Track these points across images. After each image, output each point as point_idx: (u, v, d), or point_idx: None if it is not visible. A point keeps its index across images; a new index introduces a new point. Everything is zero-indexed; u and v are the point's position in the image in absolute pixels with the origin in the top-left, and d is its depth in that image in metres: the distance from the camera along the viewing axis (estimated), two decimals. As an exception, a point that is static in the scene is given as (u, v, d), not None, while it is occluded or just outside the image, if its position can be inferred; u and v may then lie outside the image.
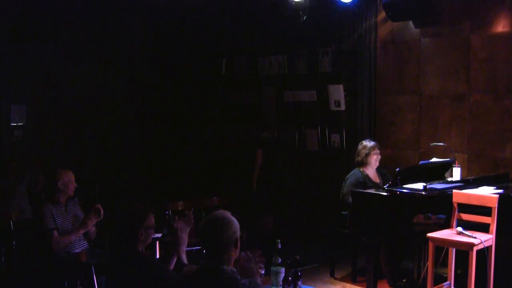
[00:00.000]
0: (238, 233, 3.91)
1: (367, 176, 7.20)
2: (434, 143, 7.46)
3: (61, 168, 6.20)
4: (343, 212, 7.12)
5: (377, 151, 7.27)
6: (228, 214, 3.95)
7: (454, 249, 6.09)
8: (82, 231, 6.00)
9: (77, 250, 5.98)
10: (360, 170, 7.24)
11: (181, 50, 10.37)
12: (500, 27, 7.30)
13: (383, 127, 8.35)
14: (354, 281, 7.12)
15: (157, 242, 6.07)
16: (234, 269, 3.87)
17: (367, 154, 7.22)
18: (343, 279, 7.25)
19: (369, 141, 7.34)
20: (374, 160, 7.25)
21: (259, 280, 4.09)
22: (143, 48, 10.04)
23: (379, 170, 7.36)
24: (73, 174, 6.14)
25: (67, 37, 9.20)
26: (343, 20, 8.63)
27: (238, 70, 10.14)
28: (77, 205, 6.27)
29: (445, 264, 6.22)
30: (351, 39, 8.62)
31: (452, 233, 6.01)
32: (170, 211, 7.00)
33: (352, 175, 7.20)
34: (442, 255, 6.19)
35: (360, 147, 7.33)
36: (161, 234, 5.98)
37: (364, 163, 7.25)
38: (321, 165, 8.96)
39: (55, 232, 5.88)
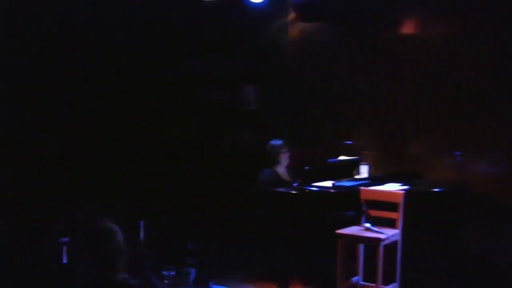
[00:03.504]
0: (122, 239, 3.80)
1: (278, 175, 7.29)
2: (344, 141, 7.59)
3: None
4: (256, 212, 7.17)
5: (286, 149, 7.38)
6: (109, 223, 3.84)
7: (362, 245, 6.24)
8: None
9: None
10: (271, 169, 7.32)
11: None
12: (407, 29, 7.50)
13: (295, 126, 8.42)
14: (268, 280, 7.16)
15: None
16: (126, 276, 3.80)
17: (277, 153, 7.32)
18: (256, 279, 7.27)
19: (276, 141, 7.43)
20: (284, 158, 7.35)
21: (149, 272, 4.07)
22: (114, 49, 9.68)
23: (289, 168, 7.45)
24: None
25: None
26: (255, 20, 8.67)
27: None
28: None
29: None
30: (263, 39, 8.67)
31: (361, 230, 6.16)
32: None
33: (263, 175, 7.27)
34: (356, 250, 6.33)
35: (268, 147, 7.42)
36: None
37: (275, 162, 7.35)
38: (233, 164, 8.97)
39: None
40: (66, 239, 5.48)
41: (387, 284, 6.02)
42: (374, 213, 6.27)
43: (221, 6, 8.43)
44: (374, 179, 6.88)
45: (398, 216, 6.08)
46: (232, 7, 8.58)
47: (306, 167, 6.74)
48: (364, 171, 7.16)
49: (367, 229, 6.10)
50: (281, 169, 7.39)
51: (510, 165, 6.72)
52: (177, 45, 9.49)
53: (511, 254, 6.60)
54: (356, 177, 7.14)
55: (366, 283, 6.24)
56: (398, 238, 6.08)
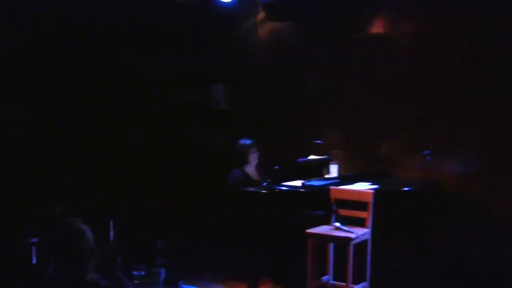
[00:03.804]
0: (92, 239, 3.77)
1: (247, 174, 7.29)
2: (314, 141, 7.61)
3: None
4: (226, 211, 7.17)
5: (255, 149, 7.39)
6: (79, 223, 3.80)
7: (332, 244, 6.27)
8: None
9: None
10: (239, 169, 7.32)
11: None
12: (376, 29, 7.54)
13: (264, 126, 8.43)
14: (238, 280, 7.15)
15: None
16: (95, 276, 3.77)
17: (246, 153, 7.33)
18: (226, 279, 7.25)
19: (245, 140, 7.44)
20: (253, 158, 7.36)
21: (119, 272, 4.04)
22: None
23: (258, 168, 7.46)
24: None
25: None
26: (224, 20, 8.66)
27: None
28: None
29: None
30: (233, 38, 8.67)
31: (330, 229, 6.18)
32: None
33: (232, 175, 7.27)
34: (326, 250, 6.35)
35: (237, 146, 7.42)
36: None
37: (244, 162, 7.35)
38: (203, 164, 8.95)
39: None
40: (36, 240, 5.42)
41: (357, 283, 6.05)
42: (344, 212, 6.30)
43: (191, 6, 8.42)
44: (344, 179, 6.91)
45: (368, 215, 6.12)
46: (202, 7, 8.57)
47: (276, 167, 6.75)
48: (333, 171, 7.20)
49: (337, 228, 6.13)
50: (251, 169, 7.39)
51: (480, 163, 6.80)
52: (147, 45, 9.45)
53: (481, 252, 6.68)
54: (326, 176, 7.17)
55: (336, 282, 6.27)
56: (368, 237, 6.12)
